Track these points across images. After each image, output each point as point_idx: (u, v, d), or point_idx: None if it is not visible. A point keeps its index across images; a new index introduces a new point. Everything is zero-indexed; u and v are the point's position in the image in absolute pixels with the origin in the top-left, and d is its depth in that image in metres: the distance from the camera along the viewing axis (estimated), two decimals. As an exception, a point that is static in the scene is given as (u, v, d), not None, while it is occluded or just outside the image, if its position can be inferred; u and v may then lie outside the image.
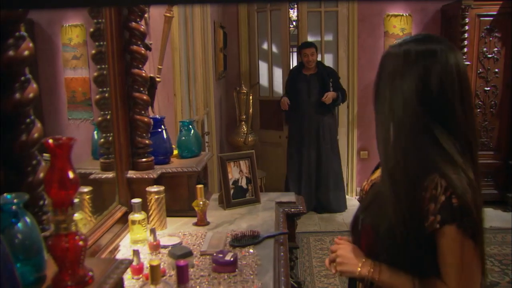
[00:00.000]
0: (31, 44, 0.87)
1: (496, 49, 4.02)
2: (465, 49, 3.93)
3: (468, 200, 0.90)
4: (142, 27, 1.57)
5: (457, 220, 0.90)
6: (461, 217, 0.90)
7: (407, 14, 4.37)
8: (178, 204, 1.64)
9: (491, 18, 3.97)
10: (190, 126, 1.81)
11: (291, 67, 4.34)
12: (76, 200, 0.80)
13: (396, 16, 4.38)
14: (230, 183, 1.77)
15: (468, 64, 3.91)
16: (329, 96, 3.90)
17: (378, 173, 1.16)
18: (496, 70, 4.06)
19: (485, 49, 4.04)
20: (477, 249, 0.92)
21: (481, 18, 3.98)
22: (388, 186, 0.97)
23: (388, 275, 1.00)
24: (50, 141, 0.76)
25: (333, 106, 4.03)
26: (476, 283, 0.95)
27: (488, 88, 4.09)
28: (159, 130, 1.71)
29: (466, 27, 3.91)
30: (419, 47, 0.96)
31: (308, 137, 3.97)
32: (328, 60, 4.56)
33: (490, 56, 4.04)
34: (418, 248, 0.95)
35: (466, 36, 3.92)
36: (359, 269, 1.03)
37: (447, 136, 0.94)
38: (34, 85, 0.89)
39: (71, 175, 0.77)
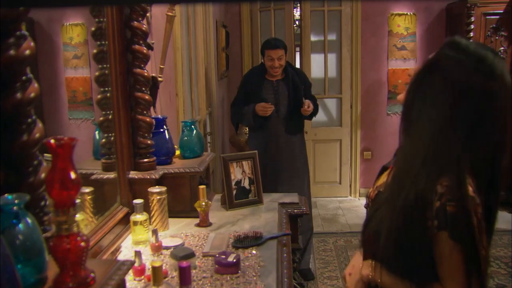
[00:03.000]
0: (32, 43, 0.87)
1: (502, 48, 3.99)
2: (471, 48, 3.91)
3: (464, 207, 0.90)
4: (144, 26, 1.56)
5: (449, 228, 0.91)
6: (453, 226, 0.90)
7: (411, 13, 4.35)
8: (180, 205, 1.63)
9: (497, 17, 3.94)
10: (193, 126, 1.81)
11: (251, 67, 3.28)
12: (77, 201, 0.79)
13: (400, 15, 4.35)
14: (233, 183, 1.76)
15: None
16: (310, 105, 2.86)
17: (383, 178, 1.15)
18: (501, 69, 4.04)
19: (491, 48, 4.02)
20: (468, 255, 0.91)
21: (487, 17, 3.95)
22: (396, 184, 0.97)
23: (390, 278, 1.00)
24: (52, 141, 0.75)
25: (306, 120, 3.04)
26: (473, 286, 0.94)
27: (494, 87, 4.07)
28: (161, 130, 1.70)
29: (472, 26, 3.88)
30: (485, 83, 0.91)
31: (274, 165, 2.84)
32: (331, 60, 4.53)
33: (496, 55, 4.02)
34: (419, 253, 0.94)
35: (471, 35, 3.89)
36: (361, 272, 1.05)
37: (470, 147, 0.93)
38: (35, 85, 0.89)
39: (72, 175, 0.76)
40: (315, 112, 3.02)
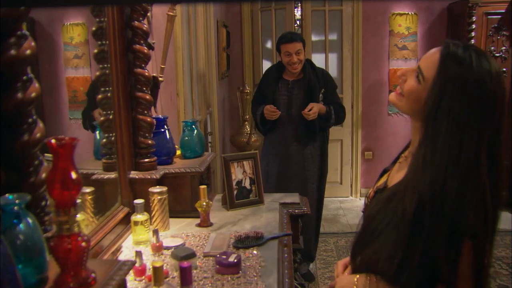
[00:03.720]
0: (33, 43, 0.87)
1: (504, 48, 3.97)
2: (472, 48, 3.91)
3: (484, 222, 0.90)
4: (145, 26, 1.56)
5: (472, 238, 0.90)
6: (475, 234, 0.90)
7: (412, 13, 4.34)
8: (181, 205, 1.63)
9: (499, 17, 3.92)
10: (193, 126, 1.80)
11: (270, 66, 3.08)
12: (78, 201, 0.79)
13: (401, 14, 4.35)
14: (234, 183, 1.75)
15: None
16: (315, 109, 2.57)
17: (383, 179, 1.14)
18: (504, 69, 4.01)
19: (492, 48, 3.99)
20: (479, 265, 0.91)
21: (489, 17, 3.93)
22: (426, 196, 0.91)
23: (386, 287, 0.98)
24: (53, 141, 0.75)
25: (323, 128, 2.71)
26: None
27: (496, 88, 4.06)
28: (162, 130, 1.70)
29: (473, 26, 3.87)
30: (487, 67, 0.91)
31: (285, 176, 2.69)
32: (332, 60, 4.52)
33: (497, 55, 4.00)
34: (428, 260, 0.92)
35: (473, 35, 3.88)
36: (355, 286, 1.01)
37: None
38: (36, 85, 0.89)
39: (73, 175, 0.76)
40: (331, 120, 2.68)
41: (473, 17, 3.85)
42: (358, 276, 1.02)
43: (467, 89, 0.90)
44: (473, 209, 0.89)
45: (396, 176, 1.08)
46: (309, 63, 2.77)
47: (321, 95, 2.70)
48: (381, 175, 1.18)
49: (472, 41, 3.88)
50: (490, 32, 3.97)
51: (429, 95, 0.94)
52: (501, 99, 0.92)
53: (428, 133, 0.93)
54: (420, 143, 0.96)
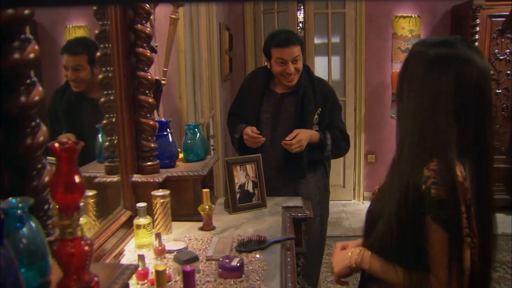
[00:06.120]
0: (36, 47, 0.87)
1: (508, 50, 3.96)
2: (476, 51, 3.88)
3: (448, 192, 0.92)
4: (148, 29, 1.56)
5: (432, 211, 0.93)
6: (436, 208, 0.92)
7: (416, 15, 4.34)
8: (184, 208, 1.62)
9: (503, 19, 3.91)
10: (196, 129, 1.80)
11: (254, 69, 2.53)
12: (81, 204, 0.79)
13: (404, 17, 4.34)
14: (236, 187, 1.75)
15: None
16: (300, 137, 1.94)
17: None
18: (508, 72, 4.00)
19: (496, 50, 3.98)
20: (451, 240, 0.93)
21: (493, 19, 3.92)
22: (394, 168, 1.02)
23: (379, 265, 1.03)
24: (56, 145, 0.75)
25: (315, 162, 2.07)
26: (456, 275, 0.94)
27: (500, 91, 4.03)
28: (165, 133, 1.70)
29: (477, 28, 3.86)
30: (450, 51, 0.98)
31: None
32: (335, 62, 4.52)
33: (502, 57, 3.98)
34: (412, 239, 0.97)
35: (477, 37, 3.86)
36: (350, 260, 1.09)
37: (457, 133, 0.96)
38: (40, 88, 0.88)
39: (77, 179, 0.76)
40: (326, 151, 2.03)
41: (477, 20, 3.83)
42: (352, 249, 1.12)
43: (425, 72, 0.98)
44: (440, 189, 0.92)
45: None
46: (305, 70, 2.05)
47: (316, 116, 2.03)
48: None
49: (476, 43, 3.87)
50: (494, 35, 3.95)
51: (396, 85, 1.06)
52: (468, 78, 0.97)
53: (398, 114, 1.05)
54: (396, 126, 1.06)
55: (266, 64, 2.10)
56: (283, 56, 1.94)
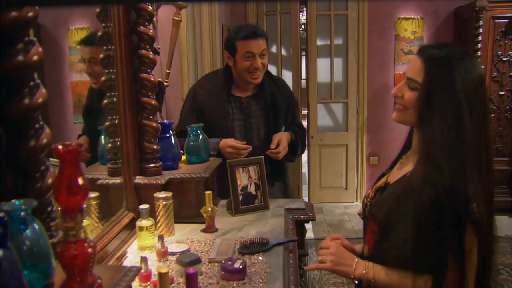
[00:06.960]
0: (40, 49, 0.87)
1: (511, 52, 3.95)
2: (479, 53, 3.85)
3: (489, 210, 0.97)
4: (151, 31, 1.56)
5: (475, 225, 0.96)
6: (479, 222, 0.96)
7: (418, 17, 4.33)
8: (186, 210, 1.62)
9: (506, 20, 3.89)
10: (199, 131, 1.80)
11: (216, 69, 2.37)
12: (83, 206, 0.79)
13: (407, 19, 4.34)
14: (239, 189, 1.75)
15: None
16: (283, 142, 1.90)
17: (383, 179, 1.21)
18: (511, 74, 3.99)
19: (500, 52, 3.96)
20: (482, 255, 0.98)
21: (496, 21, 3.91)
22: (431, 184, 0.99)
23: (383, 273, 1.02)
24: (60, 147, 0.75)
25: (289, 159, 2.03)
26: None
27: (503, 93, 4.01)
28: (167, 135, 1.70)
29: (480, 30, 3.84)
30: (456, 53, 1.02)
31: None
32: (338, 64, 4.52)
33: (505, 59, 3.97)
34: (439, 243, 0.97)
35: (480, 39, 3.85)
36: (354, 270, 1.08)
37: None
38: (43, 90, 0.89)
39: (80, 181, 0.76)
40: (298, 150, 2.00)
41: (480, 21, 3.82)
42: (357, 260, 1.11)
43: (453, 85, 0.99)
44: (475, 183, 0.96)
45: (398, 173, 1.13)
46: (267, 73, 1.99)
47: (283, 116, 2.00)
48: (379, 179, 1.26)
49: (479, 45, 3.85)
50: (497, 36, 3.94)
51: (420, 96, 1.03)
52: (483, 86, 1.02)
53: (427, 130, 1.02)
54: (421, 140, 1.04)
55: (228, 61, 1.95)
56: (251, 49, 1.84)
